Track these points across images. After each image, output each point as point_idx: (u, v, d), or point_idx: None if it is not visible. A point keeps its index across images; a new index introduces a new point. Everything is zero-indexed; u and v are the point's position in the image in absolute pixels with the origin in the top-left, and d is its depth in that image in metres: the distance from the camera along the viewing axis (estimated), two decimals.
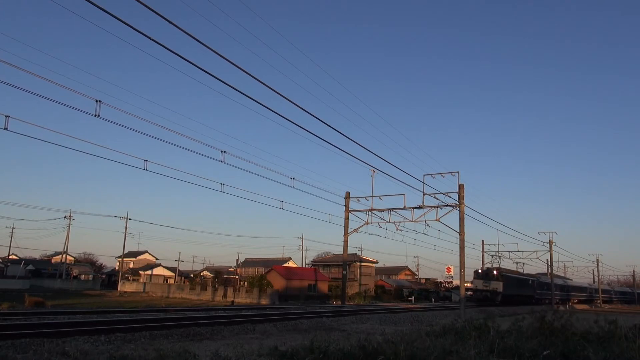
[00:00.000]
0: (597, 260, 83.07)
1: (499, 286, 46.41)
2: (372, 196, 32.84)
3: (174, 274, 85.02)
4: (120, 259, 76.80)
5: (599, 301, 77.42)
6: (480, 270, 49.30)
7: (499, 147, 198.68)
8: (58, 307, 24.82)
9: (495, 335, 10.62)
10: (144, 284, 68.49)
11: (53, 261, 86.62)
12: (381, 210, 32.73)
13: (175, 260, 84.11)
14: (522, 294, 52.12)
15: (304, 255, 75.83)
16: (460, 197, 29.36)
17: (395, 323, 19.50)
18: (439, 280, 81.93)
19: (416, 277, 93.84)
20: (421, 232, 33.88)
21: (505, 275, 48.49)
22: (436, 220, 30.56)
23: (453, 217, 47.12)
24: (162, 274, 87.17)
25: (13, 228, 76.12)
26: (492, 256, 54.16)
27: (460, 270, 29.68)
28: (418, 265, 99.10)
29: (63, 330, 11.75)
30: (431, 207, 30.38)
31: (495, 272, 47.89)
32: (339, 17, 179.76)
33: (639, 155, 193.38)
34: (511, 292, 48.49)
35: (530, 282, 56.26)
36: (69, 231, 67.72)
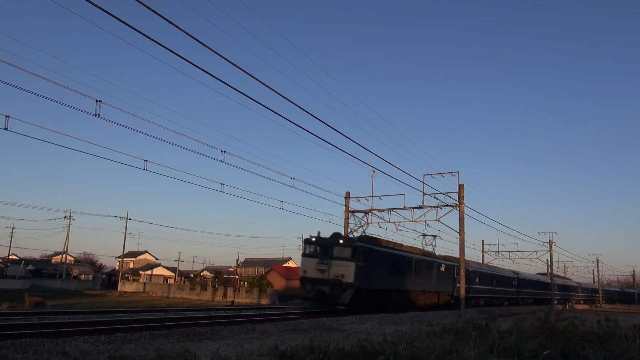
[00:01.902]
0: (597, 260, 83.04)
1: (347, 272, 22.97)
2: (372, 196, 32.64)
3: (174, 274, 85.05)
4: (120, 259, 76.78)
5: (581, 301, 74.60)
6: (313, 239, 24.52)
7: (499, 147, 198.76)
8: (58, 307, 24.83)
9: (496, 335, 10.61)
10: (144, 284, 68.50)
11: (53, 261, 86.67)
12: (381, 210, 32.68)
13: (175, 260, 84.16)
14: (440, 291, 33.92)
15: None
16: (460, 197, 29.33)
17: (395, 323, 19.48)
18: None
19: None
20: (421, 233, 33.67)
21: (369, 250, 24.72)
22: (436, 220, 30.49)
23: (453, 217, 46.92)
24: (162, 274, 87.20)
25: (13, 228, 76.17)
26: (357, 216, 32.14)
27: (461, 270, 29.66)
28: None
29: (63, 330, 11.75)
30: (431, 207, 30.34)
31: (341, 241, 24.13)
32: (339, 17, 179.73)
33: (639, 155, 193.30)
34: (387, 285, 26.55)
35: (495, 277, 44.76)
36: (69, 231, 67.78)
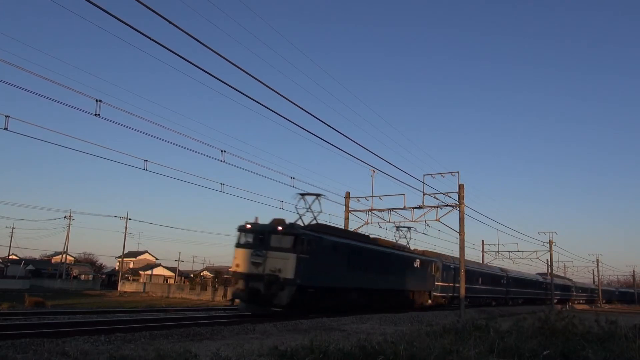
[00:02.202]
0: (597, 260, 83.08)
1: (285, 266, 18.93)
2: (372, 196, 32.68)
3: (174, 274, 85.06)
4: (120, 259, 76.81)
5: (578, 301, 73.20)
6: (248, 226, 20.32)
7: (499, 147, 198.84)
8: (58, 307, 24.83)
9: (496, 335, 10.62)
10: (144, 284, 68.52)
11: (53, 261, 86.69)
12: (381, 210, 32.71)
13: (175, 260, 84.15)
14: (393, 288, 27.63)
15: None
16: (460, 197, 29.35)
17: (395, 323, 19.48)
18: None
19: None
20: (421, 232, 33.62)
21: (317, 240, 20.55)
22: (436, 220, 30.53)
23: (453, 217, 46.86)
24: (162, 274, 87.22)
25: (13, 228, 76.20)
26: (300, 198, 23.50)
27: (461, 270, 29.68)
28: None
29: (63, 330, 11.74)
30: (431, 207, 30.36)
31: (280, 228, 19.67)
32: (338, 17, 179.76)
33: (639, 155, 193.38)
34: (343, 282, 22.44)
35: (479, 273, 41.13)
36: (69, 231, 67.84)
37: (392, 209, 32.19)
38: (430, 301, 32.09)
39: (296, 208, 22.63)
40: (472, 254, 52.67)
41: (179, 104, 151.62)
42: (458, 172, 29.66)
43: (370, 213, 33.13)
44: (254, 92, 13.05)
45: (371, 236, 28.17)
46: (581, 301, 74.48)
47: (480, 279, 41.92)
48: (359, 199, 33.60)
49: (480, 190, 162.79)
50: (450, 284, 35.61)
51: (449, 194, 29.62)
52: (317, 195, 22.70)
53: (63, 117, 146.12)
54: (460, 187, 29.55)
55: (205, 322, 14.86)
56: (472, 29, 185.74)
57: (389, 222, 32.64)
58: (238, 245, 20.27)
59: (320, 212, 22.66)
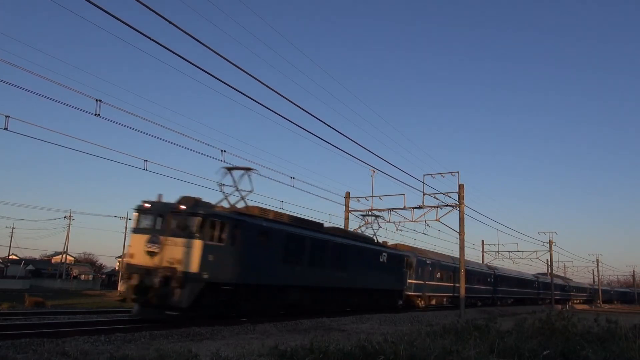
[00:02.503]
0: (597, 260, 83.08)
1: (187, 256, 14.57)
2: (372, 196, 32.70)
3: None
4: (120, 259, 76.78)
5: (573, 301, 70.32)
6: (147, 205, 15.88)
7: (499, 147, 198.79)
8: (58, 307, 24.80)
9: (496, 335, 10.63)
10: None
11: (53, 261, 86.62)
12: (381, 210, 32.72)
13: None
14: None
15: None
16: (460, 197, 29.36)
17: (395, 323, 19.48)
18: None
19: None
20: (421, 232, 33.59)
21: (237, 223, 16.38)
22: (436, 220, 30.55)
23: (453, 217, 46.84)
24: None
25: (13, 228, 76.11)
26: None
27: (461, 270, 29.68)
28: None
29: (63, 330, 11.75)
30: (431, 207, 30.38)
31: (182, 207, 15.19)
32: (338, 17, 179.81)
33: (639, 155, 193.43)
34: (278, 279, 18.45)
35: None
36: (69, 231, 67.82)
37: (392, 209, 32.21)
38: (401, 302, 28.11)
39: (220, 186, 18.16)
40: (472, 254, 52.63)
41: (179, 104, 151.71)
42: (458, 172, 29.70)
43: (370, 213, 33.14)
44: (254, 92, 13.08)
45: (328, 225, 24.22)
46: (577, 301, 73.58)
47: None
48: (359, 199, 33.62)
49: (480, 190, 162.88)
50: (427, 282, 32.13)
51: (449, 194, 29.66)
52: (247, 169, 18.44)
53: (63, 117, 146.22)
54: (460, 187, 29.57)
55: (205, 322, 14.84)
56: (472, 29, 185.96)
57: (389, 222, 32.67)
58: (134, 230, 15.89)
59: (252, 191, 18.55)
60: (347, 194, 34.08)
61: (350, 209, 33.64)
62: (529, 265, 63.55)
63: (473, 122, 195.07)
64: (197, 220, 14.91)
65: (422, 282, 31.64)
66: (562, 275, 77.80)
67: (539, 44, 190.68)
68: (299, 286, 19.50)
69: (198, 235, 14.77)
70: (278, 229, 18.55)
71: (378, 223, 29.36)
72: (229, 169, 18.52)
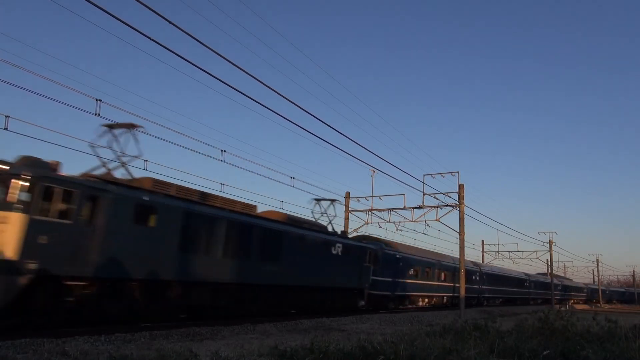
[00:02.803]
0: (597, 260, 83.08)
1: (2, 239, 10.51)
2: (372, 196, 32.73)
3: None
4: None
5: (568, 301, 68.27)
6: None
7: (499, 147, 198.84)
8: None
9: (496, 335, 10.63)
10: None
11: None
12: (381, 210, 32.72)
13: None
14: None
15: None
16: (460, 197, 29.38)
17: (395, 323, 19.50)
18: None
19: None
20: (421, 232, 33.52)
21: (88, 191, 12.07)
22: (436, 220, 30.55)
23: (453, 217, 46.80)
24: None
25: None
26: None
27: (460, 270, 29.69)
28: None
29: (63, 330, 11.72)
30: (431, 207, 30.38)
31: (5, 167, 11.12)
32: (338, 16, 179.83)
33: (639, 155, 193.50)
34: (172, 273, 14.50)
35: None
36: None
37: (392, 209, 32.22)
38: (363, 303, 24.41)
39: (92, 148, 14.31)
40: (472, 254, 52.62)
41: (179, 104, 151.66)
42: (458, 172, 29.68)
43: (370, 213, 33.16)
44: (254, 92, 13.07)
45: (269, 210, 20.88)
46: (572, 301, 72.77)
47: (442, 275, 34.57)
48: (359, 199, 33.61)
49: (480, 190, 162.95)
50: (397, 280, 28.14)
51: (449, 194, 29.67)
52: (130, 125, 14.65)
53: (63, 117, 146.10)
54: (460, 187, 29.58)
55: (205, 322, 14.84)
56: (472, 29, 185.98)
57: (389, 222, 32.69)
58: None
59: (139, 155, 15.04)
60: (347, 194, 34.10)
61: (350, 208, 33.65)
62: (529, 265, 63.56)
63: (473, 122, 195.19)
64: (18, 185, 10.83)
65: (389, 279, 27.58)
66: (562, 275, 77.73)
67: (539, 44, 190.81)
68: (208, 282, 15.64)
69: (19, 206, 10.76)
70: (171, 205, 14.48)
71: (334, 207, 24.29)
72: (110, 127, 14.67)
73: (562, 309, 33.37)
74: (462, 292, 29.43)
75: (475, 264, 43.62)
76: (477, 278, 41.09)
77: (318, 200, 20.08)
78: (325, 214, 19.70)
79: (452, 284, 34.96)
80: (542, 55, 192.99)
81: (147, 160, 20.03)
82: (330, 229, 23.64)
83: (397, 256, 28.83)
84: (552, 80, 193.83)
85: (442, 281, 34.85)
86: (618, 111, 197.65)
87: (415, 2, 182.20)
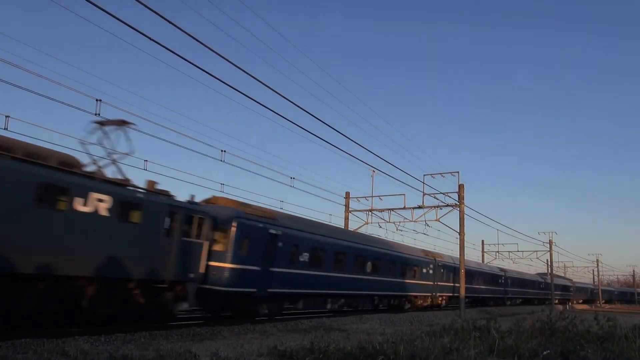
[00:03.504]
0: (597, 260, 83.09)
1: None
2: (372, 196, 32.75)
3: None
4: None
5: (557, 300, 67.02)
6: None
7: (499, 147, 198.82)
8: None
9: (495, 335, 10.63)
10: None
11: None
12: (381, 210, 32.73)
13: None
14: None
15: None
16: (460, 197, 29.37)
17: (395, 323, 19.49)
18: None
19: None
20: (421, 232, 33.57)
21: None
22: (436, 220, 30.57)
23: (453, 217, 46.88)
24: None
25: None
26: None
27: (461, 270, 29.68)
28: None
29: (63, 330, 11.72)
30: (431, 207, 30.38)
31: None
32: (338, 16, 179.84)
33: (639, 154, 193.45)
34: None
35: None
36: None
37: (392, 209, 32.23)
38: (186, 305, 15.51)
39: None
40: (472, 254, 52.52)
41: (179, 104, 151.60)
42: (458, 172, 29.68)
43: (370, 213, 33.16)
44: (253, 92, 13.06)
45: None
46: (557, 300, 70.62)
47: (406, 271, 27.95)
48: (359, 199, 33.63)
49: (480, 190, 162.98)
50: (275, 270, 17.55)
51: (449, 194, 29.66)
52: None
53: (63, 117, 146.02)
54: (460, 187, 29.57)
55: (205, 322, 14.83)
56: (472, 28, 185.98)
57: (389, 222, 32.69)
58: None
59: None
60: (347, 194, 34.11)
61: (350, 209, 33.66)
62: (530, 266, 63.50)
63: (473, 122, 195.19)
64: None
65: (257, 268, 16.74)
66: (562, 275, 77.53)
67: (539, 42, 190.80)
68: None
69: None
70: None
71: (126, 134, 14.05)
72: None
73: (563, 309, 33.31)
74: (462, 291, 29.40)
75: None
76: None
77: (102, 123, 13.59)
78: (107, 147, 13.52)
79: (419, 281, 29.53)
80: (542, 55, 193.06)
81: (147, 161, 20.04)
82: (115, 171, 13.85)
83: (271, 231, 17.41)
84: (552, 80, 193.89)
85: (405, 278, 27.75)
86: (618, 111, 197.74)
87: (416, 2, 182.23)
